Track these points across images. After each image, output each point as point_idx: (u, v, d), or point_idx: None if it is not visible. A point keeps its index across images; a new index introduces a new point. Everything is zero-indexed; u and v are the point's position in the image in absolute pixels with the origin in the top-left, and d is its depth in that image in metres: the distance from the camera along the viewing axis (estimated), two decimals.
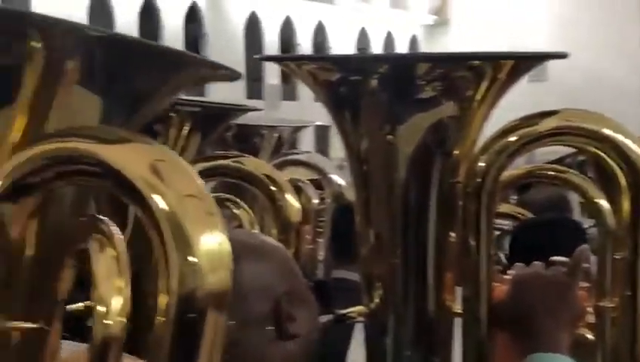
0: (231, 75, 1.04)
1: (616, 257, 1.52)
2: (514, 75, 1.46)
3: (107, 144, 0.88)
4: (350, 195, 3.62)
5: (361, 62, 1.64)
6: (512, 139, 1.46)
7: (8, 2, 19.34)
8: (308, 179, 3.40)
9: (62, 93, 0.93)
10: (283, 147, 3.60)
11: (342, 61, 1.64)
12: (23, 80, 0.91)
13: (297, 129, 3.88)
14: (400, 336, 1.52)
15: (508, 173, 1.56)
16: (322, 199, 3.52)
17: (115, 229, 0.98)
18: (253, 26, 25.94)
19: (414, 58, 1.58)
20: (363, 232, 1.55)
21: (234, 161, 2.15)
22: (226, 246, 0.86)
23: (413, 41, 30.89)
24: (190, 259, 0.84)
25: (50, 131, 0.93)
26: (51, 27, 0.89)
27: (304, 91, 27.15)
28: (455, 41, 29.52)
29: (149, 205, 0.85)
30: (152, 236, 0.85)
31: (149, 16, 22.88)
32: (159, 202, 0.85)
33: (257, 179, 2.06)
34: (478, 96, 1.46)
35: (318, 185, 3.49)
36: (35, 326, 0.96)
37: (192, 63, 1.01)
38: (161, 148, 0.90)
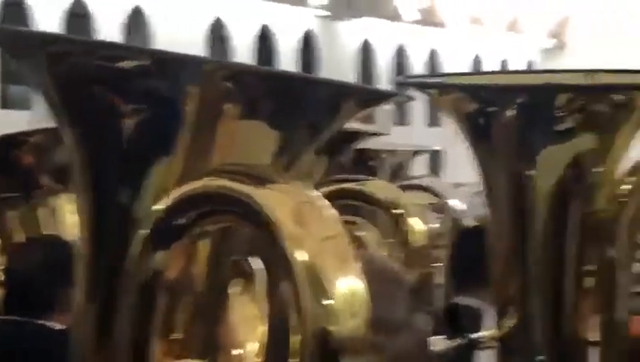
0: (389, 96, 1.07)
1: None
2: None
3: (252, 185, 0.91)
4: (468, 221, 3.61)
5: (488, 91, 1.63)
6: None
7: (133, 32, 20.07)
8: (428, 203, 3.40)
9: (224, 131, 0.97)
10: (401, 171, 3.60)
11: (475, 89, 1.62)
12: (183, 121, 0.96)
13: (416, 153, 3.89)
14: None
15: None
16: (440, 224, 3.50)
17: (259, 271, 0.99)
18: (366, 53, 26.11)
19: (545, 88, 1.55)
20: (496, 258, 1.54)
21: (358, 185, 2.17)
22: (362, 292, 0.87)
23: (530, 67, 30.42)
24: (325, 301, 0.84)
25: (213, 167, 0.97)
26: (210, 68, 0.95)
27: (416, 116, 27.04)
28: (575, 65, 28.91)
29: (283, 249, 0.86)
30: (286, 280, 0.86)
31: (264, 41, 23.35)
32: (296, 248, 0.86)
33: (382, 202, 2.07)
34: (618, 125, 1.43)
35: (437, 209, 3.48)
36: None
37: (351, 93, 1.04)
38: (304, 191, 0.92)
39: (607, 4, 31.57)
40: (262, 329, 0.98)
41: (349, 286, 0.86)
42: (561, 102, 1.41)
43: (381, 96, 1.10)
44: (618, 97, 1.40)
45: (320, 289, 0.84)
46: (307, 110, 1.00)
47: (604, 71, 1.55)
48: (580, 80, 1.56)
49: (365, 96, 1.07)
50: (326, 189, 2.06)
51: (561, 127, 1.43)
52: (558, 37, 31.00)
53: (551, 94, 1.44)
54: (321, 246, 0.86)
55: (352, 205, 2.34)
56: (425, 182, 3.59)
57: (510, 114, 1.46)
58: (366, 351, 0.86)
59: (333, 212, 0.91)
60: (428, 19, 27.14)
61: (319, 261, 0.85)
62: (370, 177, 2.24)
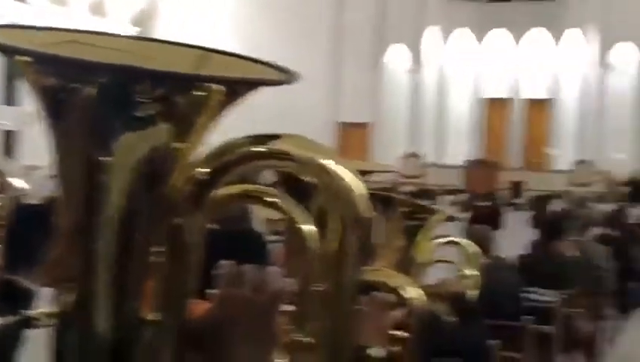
0: None
1: (317, 288, 1.52)
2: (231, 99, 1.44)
3: None
4: (29, 200, 3.48)
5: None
6: (225, 159, 1.46)
7: None
8: None
9: None
10: None
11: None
12: None
13: None
14: (89, 340, 1.45)
15: (223, 191, 1.54)
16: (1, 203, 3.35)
17: None
18: None
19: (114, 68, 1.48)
20: (61, 237, 1.47)
21: None
22: None
23: None
24: None
25: None
26: None
27: None
28: None
29: None
30: None
31: None
32: None
33: None
34: (199, 114, 1.42)
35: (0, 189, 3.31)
36: None
37: None
38: None
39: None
40: None
41: None
42: (144, 88, 1.38)
43: None
44: (203, 89, 1.40)
45: None
46: None
47: (220, 52, 1.55)
48: (193, 58, 1.55)
49: None
50: None
51: (141, 113, 1.40)
52: (143, 25, 31.42)
53: (134, 78, 1.39)
54: None
55: None
56: None
57: (88, 91, 1.39)
58: None
59: None
60: None
61: None
62: None
